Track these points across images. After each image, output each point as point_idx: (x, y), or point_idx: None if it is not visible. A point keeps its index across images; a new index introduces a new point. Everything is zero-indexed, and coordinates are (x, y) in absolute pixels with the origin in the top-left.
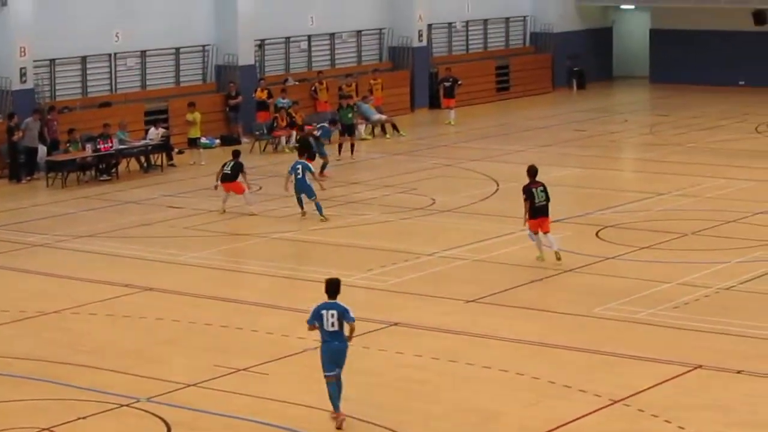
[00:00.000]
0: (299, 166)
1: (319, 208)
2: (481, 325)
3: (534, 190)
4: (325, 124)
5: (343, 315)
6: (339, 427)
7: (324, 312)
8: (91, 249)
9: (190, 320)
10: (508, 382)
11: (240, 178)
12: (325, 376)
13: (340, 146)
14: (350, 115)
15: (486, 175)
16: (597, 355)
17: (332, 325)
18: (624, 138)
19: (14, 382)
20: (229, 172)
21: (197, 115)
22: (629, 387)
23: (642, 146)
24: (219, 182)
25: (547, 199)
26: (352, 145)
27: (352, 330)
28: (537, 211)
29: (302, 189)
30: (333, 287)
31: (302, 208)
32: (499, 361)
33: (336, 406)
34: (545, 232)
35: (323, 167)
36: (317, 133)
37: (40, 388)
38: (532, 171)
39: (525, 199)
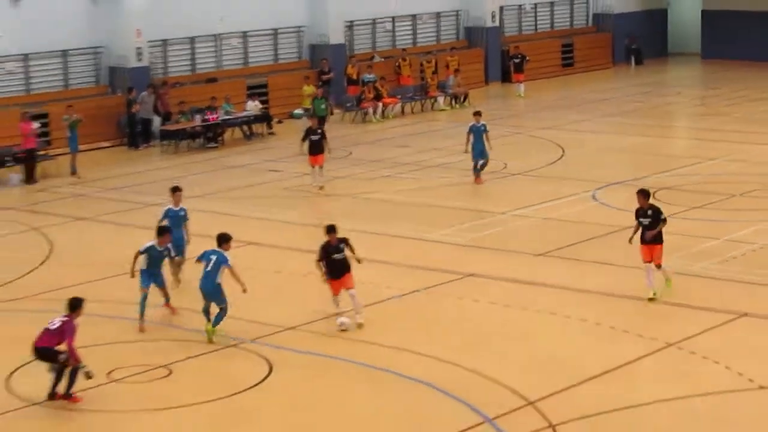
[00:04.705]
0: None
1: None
2: (549, 276)
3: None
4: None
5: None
6: None
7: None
8: (201, 208)
9: (290, 271)
10: (572, 327)
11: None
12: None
13: None
14: (323, 107)
15: (552, 142)
16: (652, 304)
17: None
18: (678, 109)
19: (131, 324)
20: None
21: (312, 89)
22: (682, 332)
23: (694, 116)
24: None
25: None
26: None
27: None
28: None
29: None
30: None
31: None
32: (564, 308)
33: None
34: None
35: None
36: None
37: (154, 330)
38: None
39: None
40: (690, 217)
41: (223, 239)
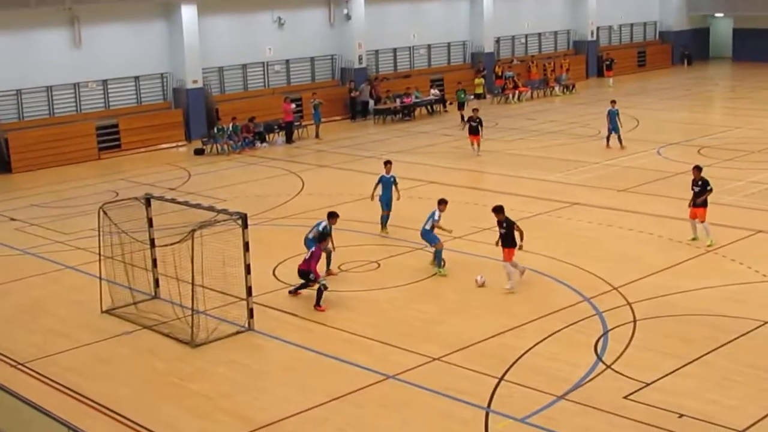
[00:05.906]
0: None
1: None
2: (628, 204)
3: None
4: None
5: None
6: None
7: None
8: (400, 159)
9: (458, 201)
10: (643, 238)
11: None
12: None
13: (462, 117)
14: (462, 96)
15: (631, 116)
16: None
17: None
18: (715, 94)
19: (354, 235)
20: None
21: (481, 80)
22: (717, 243)
23: (727, 99)
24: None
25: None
26: (462, 116)
27: None
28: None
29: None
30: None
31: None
32: (639, 225)
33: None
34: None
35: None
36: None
37: (368, 238)
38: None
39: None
40: (723, 166)
41: (441, 202)
